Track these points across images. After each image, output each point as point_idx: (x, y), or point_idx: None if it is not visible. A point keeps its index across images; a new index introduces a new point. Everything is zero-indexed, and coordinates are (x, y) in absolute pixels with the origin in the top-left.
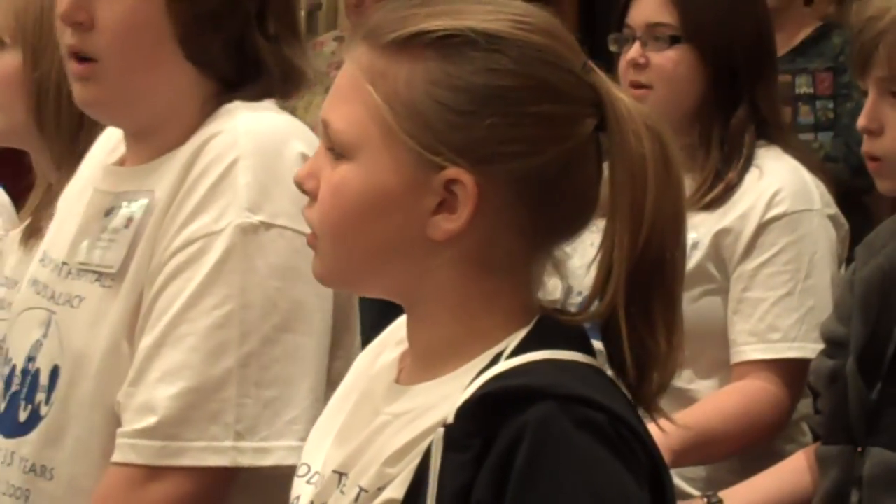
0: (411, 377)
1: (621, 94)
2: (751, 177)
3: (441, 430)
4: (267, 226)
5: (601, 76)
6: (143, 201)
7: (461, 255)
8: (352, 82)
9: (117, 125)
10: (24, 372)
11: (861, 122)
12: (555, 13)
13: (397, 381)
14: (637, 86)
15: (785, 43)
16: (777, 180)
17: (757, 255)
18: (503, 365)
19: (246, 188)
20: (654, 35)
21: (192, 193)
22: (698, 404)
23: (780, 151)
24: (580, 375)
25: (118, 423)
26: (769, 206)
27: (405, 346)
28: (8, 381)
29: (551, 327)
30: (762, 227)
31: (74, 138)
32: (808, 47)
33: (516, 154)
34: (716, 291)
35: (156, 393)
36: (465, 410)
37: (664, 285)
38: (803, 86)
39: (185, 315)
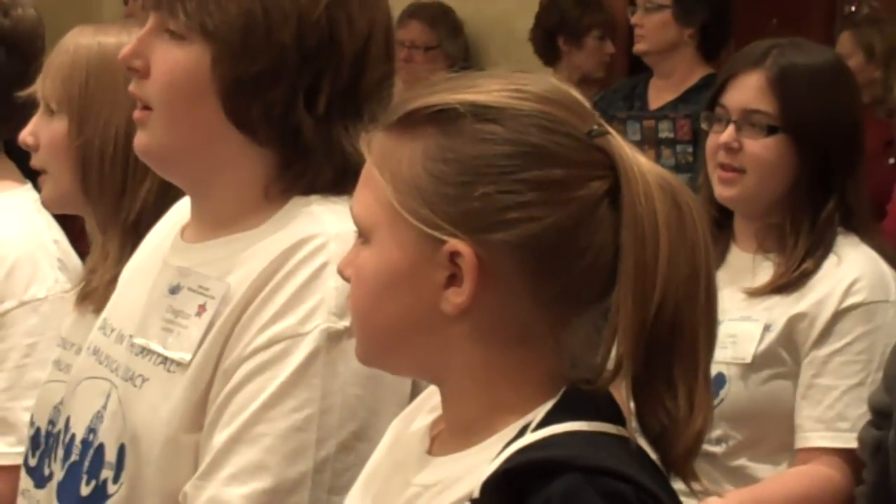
0: (442, 447)
1: (635, 156)
2: (829, 263)
3: None
4: (351, 333)
5: (614, 139)
6: (219, 292)
7: (478, 328)
8: (366, 169)
9: (168, 176)
10: (85, 443)
11: None
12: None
13: (430, 450)
14: (728, 168)
15: (673, 90)
16: (856, 269)
17: (831, 342)
18: (529, 437)
19: (335, 292)
20: (750, 121)
21: (278, 292)
22: (764, 482)
23: (857, 240)
24: (607, 447)
25: None
26: (847, 294)
27: (438, 412)
28: (67, 451)
29: (579, 397)
30: (838, 315)
31: (117, 203)
32: (692, 95)
33: (514, 221)
34: (785, 375)
35: (228, 490)
36: (490, 484)
37: (685, 348)
38: (665, 131)
39: (264, 414)
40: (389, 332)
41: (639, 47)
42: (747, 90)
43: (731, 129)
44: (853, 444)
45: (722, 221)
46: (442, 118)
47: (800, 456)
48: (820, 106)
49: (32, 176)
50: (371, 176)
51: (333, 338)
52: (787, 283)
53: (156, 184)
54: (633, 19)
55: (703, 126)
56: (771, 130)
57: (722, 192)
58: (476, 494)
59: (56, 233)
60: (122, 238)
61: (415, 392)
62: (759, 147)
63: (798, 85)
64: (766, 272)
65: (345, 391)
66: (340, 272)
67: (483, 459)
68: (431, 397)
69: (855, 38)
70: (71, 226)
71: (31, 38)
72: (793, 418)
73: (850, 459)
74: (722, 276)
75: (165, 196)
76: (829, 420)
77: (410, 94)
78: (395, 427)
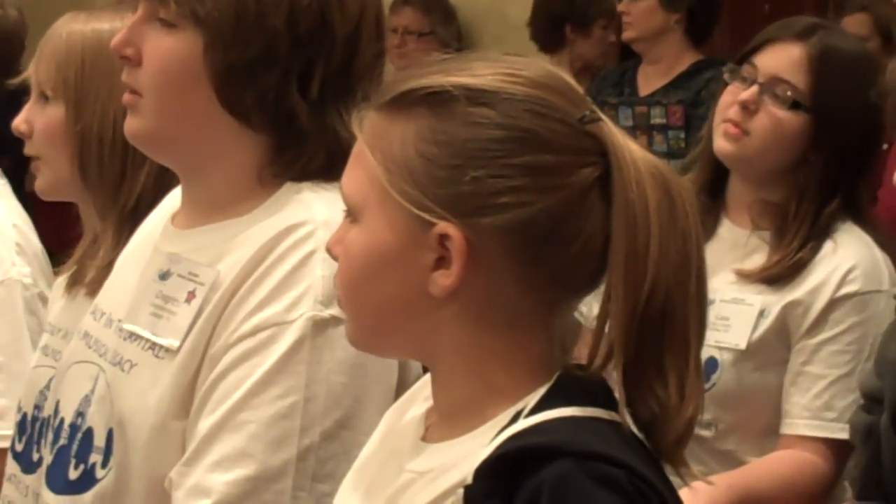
0: (437, 434)
1: (627, 143)
2: (825, 248)
3: (461, 492)
4: (337, 321)
5: (607, 126)
6: (208, 279)
7: (466, 310)
8: (357, 147)
9: (160, 160)
10: (73, 427)
11: None
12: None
13: (424, 438)
14: (735, 125)
15: (662, 76)
16: (852, 256)
17: (823, 330)
18: (521, 423)
19: (322, 280)
20: (775, 90)
21: (265, 280)
22: (750, 465)
23: (852, 224)
24: (599, 432)
25: (168, 500)
26: (842, 282)
27: (432, 401)
28: (56, 434)
29: (571, 383)
30: (833, 304)
31: (117, 189)
32: (682, 81)
33: (504, 206)
34: (777, 362)
35: (211, 476)
36: (483, 470)
37: (675, 336)
38: (657, 117)
39: (248, 402)
40: (378, 313)
41: (627, 34)
42: (784, 59)
43: (754, 88)
44: (838, 435)
45: (715, 189)
46: (435, 100)
47: (784, 441)
48: (851, 96)
49: (24, 164)
50: (362, 155)
51: (319, 326)
52: (780, 273)
53: (155, 168)
54: (620, 6)
55: (725, 77)
56: (794, 105)
57: (723, 146)
58: (469, 481)
59: (16, 217)
60: (119, 224)
61: (401, 382)
62: (776, 116)
63: (836, 70)
64: (759, 252)
65: (329, 379)
66: (329, 250)
67: (477, 446)
68: (426, 387)
69: (873, 22)
70: (66, 212)
71: (9, 38)
72: (780, 404)
73: (834, 448)
74: (712, 251)
75: (163, 180)
76: (816, 409)
77: (404, 75)
78: (389, 417)
